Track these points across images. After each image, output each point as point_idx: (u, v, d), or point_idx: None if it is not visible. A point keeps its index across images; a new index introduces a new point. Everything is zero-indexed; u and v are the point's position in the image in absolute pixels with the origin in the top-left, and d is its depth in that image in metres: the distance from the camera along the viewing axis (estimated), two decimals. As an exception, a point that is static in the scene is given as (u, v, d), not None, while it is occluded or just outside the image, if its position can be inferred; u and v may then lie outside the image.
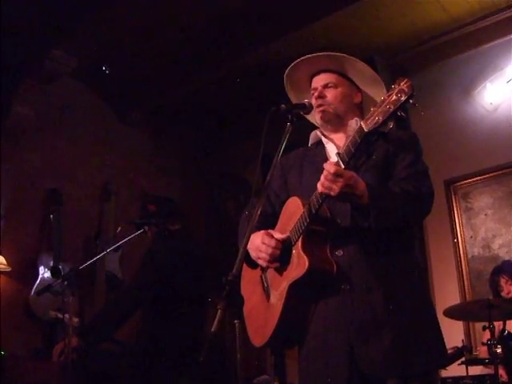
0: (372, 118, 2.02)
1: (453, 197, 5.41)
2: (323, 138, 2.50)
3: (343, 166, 2.05)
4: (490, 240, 5.17)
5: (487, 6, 5.11)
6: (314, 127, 2.60)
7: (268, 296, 2.35)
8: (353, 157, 2.07)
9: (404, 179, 2.22)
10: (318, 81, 2.51)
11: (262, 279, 2.41)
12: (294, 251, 2.21)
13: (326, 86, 2.48)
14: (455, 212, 5.38)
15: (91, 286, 5.64)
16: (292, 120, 2.26)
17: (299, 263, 2.14)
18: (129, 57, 5.76)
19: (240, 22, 5.23)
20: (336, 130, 2.48)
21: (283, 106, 2.30)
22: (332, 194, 2.04)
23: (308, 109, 2.39)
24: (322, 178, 2.05)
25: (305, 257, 2.12)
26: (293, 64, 2.55)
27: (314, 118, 2.53)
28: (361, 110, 2.50)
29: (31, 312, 5.19)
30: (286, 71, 2.58)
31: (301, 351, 2.28)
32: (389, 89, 2.01)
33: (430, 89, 5.48)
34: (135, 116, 6.68)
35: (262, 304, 2.37)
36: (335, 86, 2.47)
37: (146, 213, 4.06)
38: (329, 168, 2.03)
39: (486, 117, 5.35)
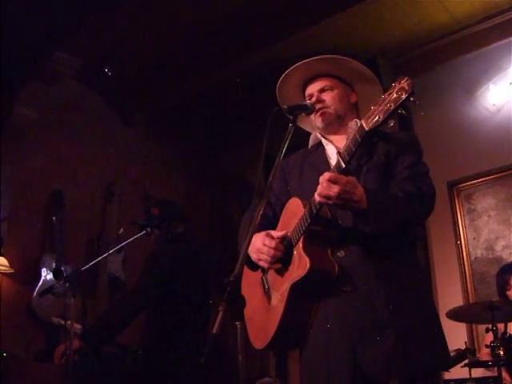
0: (373, 116, 2.02)
1: (456, 198, 5.39)
2: (323, 140, 2.50)
3: (344, 165, 2.05)
4: (493, 242, 5.14)
5: (490, 7, 5.09)
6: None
7: (269, 298, 2.34)
8: (353, 156, 2.07)
9: (405, 179, 2.22)
10: (314, 86, 2.51)
11: (262, 281, 2.40)
12: (294, 252, 2.20)
13: (322, 90, 2.48)
14: (458, 213, 5.36)
15: (93, 287, 5.65)
16: (294, 121, 2.26)
17: (300, 264, 2.14)
18: (132, 59, 5.76)
19: (242, 24, 5.23)
20: (337, 132, 2.47)
21: (285, 106, 2.30)
22: (330, 202, 2.04)
23: (310, 110, 2.39)
24: (319, 187, 2.04)
25: (306, 257, 2.11)
26: (286, 72, 2.54)
27: (312, 123, 2.54)
28: (357, 110, 2.51)
29: (33, 314, 5.19)
30: (279, 80, 2.57)
31: (302, 353, 2.28)
32: (389, 87, 2.00)
33: (433, 90, 5.47)
34: (138, 118, 6.68)
35: (263, 306, 2.36)
36: (331, 89, 2.48)
37: (149, 216, 4.06)
38: (324, 175, 2.04)
39: (489, 118, 5.33)
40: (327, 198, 2.03)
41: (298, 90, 2.59)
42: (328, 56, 2.48)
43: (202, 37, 5.40)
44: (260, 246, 2.25)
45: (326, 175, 2.03)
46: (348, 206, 2.07)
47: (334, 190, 2.00)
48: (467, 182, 5.37)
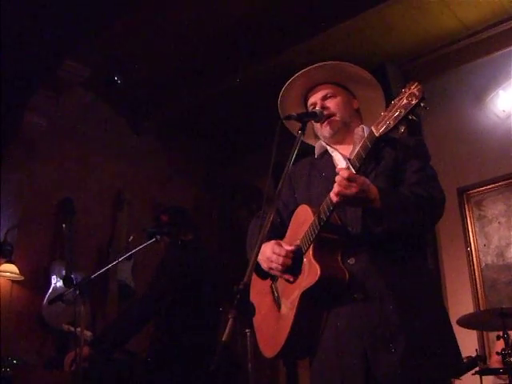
0: (383, 122, 2.00)
1: (466, 205, 5.36)
2: (329, 148, 2.48)
3: (354, 172, 2.04)
4: (503, 248, 5.11)
5: (499, 13, 5.09)
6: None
7: (279, 306, 2.33)
8: (363, 163, 2.06)
9: (414, 184, 2.20)
10: (316, 95, 2.49)
11: (272, 289, 2.40)
12: (304, 260, 2.19)
13: (324, 98, 2.47)
14: (468, 220, 5.33)
15: (103, 295, 5.66)
16: (303, 128, 2.25)
17: (311, 271, 2.13)
18: (141, 67, 5.79)
19: (252, 32, 5.25)
20: (343, 140, 2.45)
21: (294, 114, 2.29)
22: (348, 200, 2.02)
23: (319, 117, 2.38)
24: (336, 185, 2.02)
25: (316, 265, 2.10)
26: (286, 84, 2.53)
27: (317, 132, 2.51)
28: (360, 116, 2.50)
29: (43, 321, 5.20)
30: (280, 93, 2.56)
31: (312, 361, 2.26)
32: (399, 92, 1.99)
33: (443, 96, 5.47)
34: (148, 126, 6.70)
35: (273, 314, 2.35)
36: (334, 96, 2.47)
37: (158, 223, 4.07)
38: (342, 173, 2.01)
39: (499, 124, 5.31)
40: (344, 196, 2.01)
41: (299, 101, 2.58)
42: (326, 63, 2.46)
43: (211, 45, 5.42)
44: (270, 254, 2.24)
45: (345, 173, 1.99)
46: (361, 204, 2.06)
47: (353, 188, 1.99)
48: (477, 188, 5.34)
